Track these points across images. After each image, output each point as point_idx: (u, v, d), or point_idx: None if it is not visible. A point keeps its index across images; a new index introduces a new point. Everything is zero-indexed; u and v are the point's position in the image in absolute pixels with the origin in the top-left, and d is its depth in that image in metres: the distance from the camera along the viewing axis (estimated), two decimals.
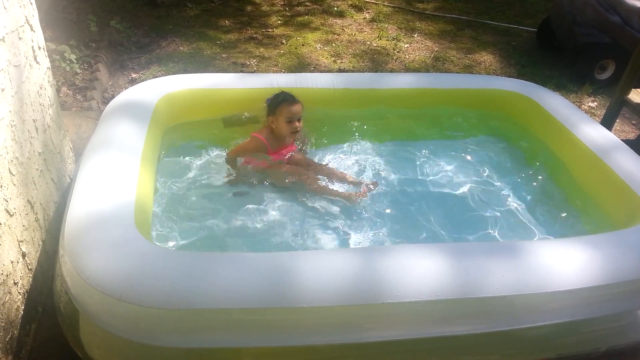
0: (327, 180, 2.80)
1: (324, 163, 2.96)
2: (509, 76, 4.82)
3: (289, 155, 2.88)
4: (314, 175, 2.78)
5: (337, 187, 2.76)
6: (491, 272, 1.81)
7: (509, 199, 2.82)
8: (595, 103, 4.68)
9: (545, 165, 3.05)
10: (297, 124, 2.75)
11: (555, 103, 3.15)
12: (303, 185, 2.72)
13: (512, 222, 2.67)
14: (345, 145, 3.13)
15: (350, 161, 3.02)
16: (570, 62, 5.18)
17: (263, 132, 2.81)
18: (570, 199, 2.82)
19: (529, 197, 2.84)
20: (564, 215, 2.73)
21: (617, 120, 3.91)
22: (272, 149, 2.81)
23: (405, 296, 1.71)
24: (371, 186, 2.75)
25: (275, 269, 1.74)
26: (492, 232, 2.60)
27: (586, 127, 2.88)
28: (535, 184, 2.94)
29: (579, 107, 4.49)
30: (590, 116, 3.49)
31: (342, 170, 2.88)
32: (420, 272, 1.78)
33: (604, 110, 3.89)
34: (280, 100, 2.72)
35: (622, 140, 2.78)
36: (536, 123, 3.19)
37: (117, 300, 1.62)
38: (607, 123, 3.65)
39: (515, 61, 5.41)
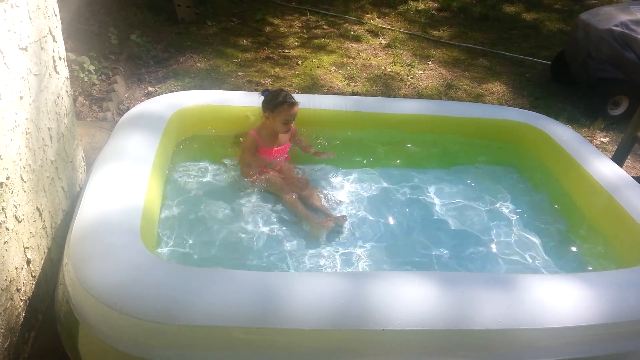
0: (303, 200, 2.79)
1: (322, 182, 3.00)
2: (521, 107, 4.79)
3: (280, 157, 2.97)
4: (292, 191, 2.80)
5: (308, 211, 2.72)
6: (494, 304, 1.79)
7: (515, 231, 2.80)
8: (607, 138, 4.66)
9: (554, 198, 3.03)
10: (292, 124, 2.88)
11: (566, 136, 3.14)
12: (279, 196, 2.79)
13: (517, 254, 2.64)
14: (351, 167, 3.15)
15: (352, 183, 3.03)
16: (584, 96, 5.18)
17: (257, 128, 2.93)
18: (577, 233, 2.79)
19: (535, 230, 2.81)
20: (569, 249, 2.71)
21: (629, 157, 3.89)
22: (264, 145, 2.92)
23: (406, 324, 1.69)
24: (339, 221, 2.66)
25: (274, 289, 1.73)
26: (495, 263, 2.57)
27: (597, 161, 2.87)
28: (542, 216, 2.91)
29: (591, 141, 4.47)
30: (602, 151, 3.47)
31: (328, 195, 2.90)
32: (418, 300, 1.76)
33: (616, 146, 3.87)
34: (281, 102, 2.82)
35: (632, 177, 2.76)
36: (546, 155, 3.19)
37: (117, 312, 1.63)
38: (618, 159, 3.63)
39: (528, 93, 5.41)
